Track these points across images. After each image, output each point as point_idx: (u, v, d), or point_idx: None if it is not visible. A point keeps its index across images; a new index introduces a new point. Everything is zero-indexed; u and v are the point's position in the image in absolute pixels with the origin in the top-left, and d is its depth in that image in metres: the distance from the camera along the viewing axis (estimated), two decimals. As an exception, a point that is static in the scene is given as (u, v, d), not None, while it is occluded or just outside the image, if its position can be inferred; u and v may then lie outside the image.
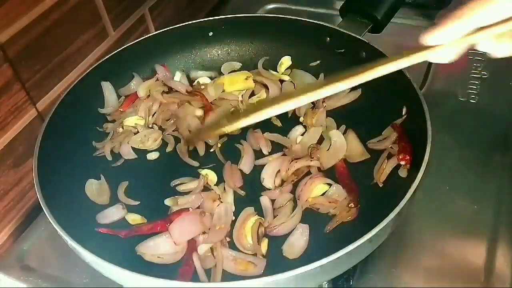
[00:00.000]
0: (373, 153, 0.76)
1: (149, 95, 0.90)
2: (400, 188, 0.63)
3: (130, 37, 1.00)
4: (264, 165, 0.77)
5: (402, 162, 0.70)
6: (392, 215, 0.57)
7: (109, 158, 0.82)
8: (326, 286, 0.67)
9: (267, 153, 0.80)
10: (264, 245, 0.67)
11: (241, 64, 0.96)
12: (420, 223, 0.75)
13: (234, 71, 0.96)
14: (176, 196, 0.73)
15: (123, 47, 0.89)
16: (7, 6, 0.71)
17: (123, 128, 0.86)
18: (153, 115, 0.88)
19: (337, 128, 0.81)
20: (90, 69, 0.85)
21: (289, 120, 0.86)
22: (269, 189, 0.74)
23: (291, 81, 0.92)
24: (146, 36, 0.92)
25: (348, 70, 0.55)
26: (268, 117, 0.60)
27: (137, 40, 0.90)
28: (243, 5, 1.28)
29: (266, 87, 0.91)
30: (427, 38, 0.50)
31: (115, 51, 0.88)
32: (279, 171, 0.76)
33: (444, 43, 0.50)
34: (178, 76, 0.94)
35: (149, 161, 0.82)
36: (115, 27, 0.96)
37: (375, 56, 0.81)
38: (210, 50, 0.97)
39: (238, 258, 0.65)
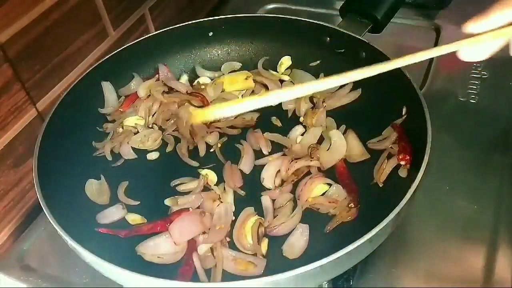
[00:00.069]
0: (373, 153, 0.76)
1: (149, 95, 0.90)
2: (400, 188, 0.63)
3: (130, 37, 1.00)
4: (264, 165, 0.77)
5: (402, 162, 0.70)
6: (392, 215, 0.57)
7: (109, 158, 0.82)
8: (326, 286, 0.67)
9: (267, 153, 0.80)
10: (264, 245, 0.67)
11: (241, 64, 0.96)
12: (420, 223, 0.75)
13: (234, 71, 0.96)
14: (176, 196, 0.73)
15: (123, 47, 0.89)
16: (7, 6, 0.71)
17: (123, 128, 0.86)
18: (153, 115, 0.88)
19: (337, 128, 0.81)
20: (90, 69, 0.85)
21: (289, 120, 0.86)
22: (269, 189, 0.74)
23: (291, 81, 0.92)
24: (146, 36, 0.92)
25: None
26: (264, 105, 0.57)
27: (137, 40, 0.90)
28: (243, 5, 1.28)
29: (266, 87, 0.91)
30: (470, 26, 0.51)
31: (115, 51, 0.88)
32: (279, 171, 0.76)
33: (484, 30, 0.51)
34: (184, 78, 0.94)
35: (149, 161, 0.82)
36: (115, 27, 0.96)
37: (375, 56, 0.81)
38: (210, 50, 0.97)
39: (238, 258, 0.65)
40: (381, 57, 0.79)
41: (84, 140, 0.82)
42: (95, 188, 0.76)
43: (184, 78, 0.95)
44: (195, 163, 0.79)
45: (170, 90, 0.91)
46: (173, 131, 0.86)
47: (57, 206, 0.64)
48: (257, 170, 0.77)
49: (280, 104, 0.89)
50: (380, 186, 0.71)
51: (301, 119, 0.85)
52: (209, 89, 0.91)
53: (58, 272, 0.74)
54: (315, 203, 0.71)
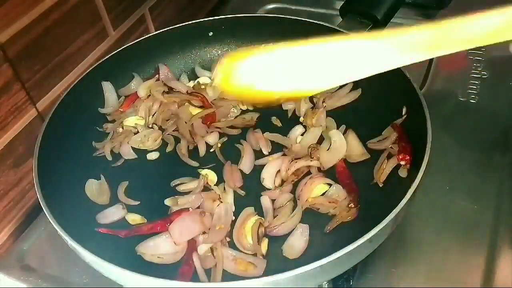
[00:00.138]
0: (373, 153, 0.76)
1: (149, 95, 0.90)
2: (400, 188, 0.63)
3: (130, 37, 1.00)
4: (264, 165, 0.77)
5: (402, 162, 0.70)
6: (392, 215, 0.57)
7: (109, 158, 0.82)
8: (326, 286, 0.67)
9: (267, 153, 0.80)
10: (264, 245, 0.67)
11: (241, 64, 0.96)
12: (420, 223, 0.75)
13: (234, 71, 0.96)
14: (176, 196, 0.73)
15: (123, 47, 0.89)
16: (7, 6, 0.71)
17: (123, 128, 0.86)
18: (153, 115, 0.88)
19: (337, 128, 0.81)
20: (90, 69, 0.85)
21: (289, 120, 0.86)
22: (269, 189, 0.75)
23: (291, 81, 0.92)
24: (146, 36, 0.92)
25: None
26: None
27: (137, 40, 0.91)
28: (243, 5, 1.28)
29: (266, 87, 0.91)
30: None
31: (115, 51, 0.88)
32: (279, 171, 0.76)
33: None
34: (184, 78, 0.94)
35: (149, 161, 0.82)
36: (115, 27, 0.96)
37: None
38: (210, 50, 0.97)
39: (238, 258, 0.65)
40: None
41: (84, 140, 0.82)
42: (95, 188, 0.76)
43: (184, 78, 0.95)
44: (195, 163, 0.79)
45: (170, 90, 0.91)
46: (173, 131, 0.86)
47: (57, 206, 0.64)
48: (257, 170, 0.77)
49: (280, 104, 0.89)
50: (380, 186, 0.71)
51: (301, 119, 0.86)
52: (209, 89, 0.91)
53: (58, 272, 0.74)
54: (315, 203, 0.71)
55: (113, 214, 0.72)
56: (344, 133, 0.79)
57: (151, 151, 0.84)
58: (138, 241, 0.67)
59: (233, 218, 0.70)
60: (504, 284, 0.67)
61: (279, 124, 0.86)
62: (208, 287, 0.62)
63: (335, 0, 1.25)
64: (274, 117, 0.86)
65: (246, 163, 0.78)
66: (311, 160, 0.76)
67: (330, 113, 0.84)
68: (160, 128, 0.87)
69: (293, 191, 0.74)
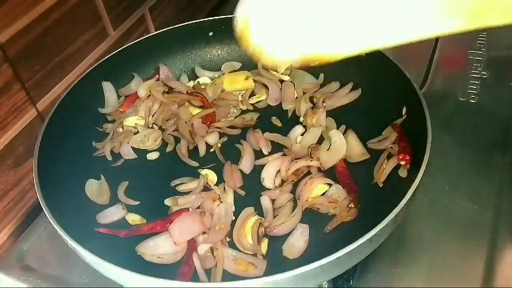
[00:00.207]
0: (373, 153, 0.76)
1: (149, 95, 0.90)
2: (400, 188, 0.63)
3: (130, 37, 1.00)
4: (264, 165, 0.77)
5: (402, 162, 0.70)
6: (392, 215, 0.57)
7: (109, 158, 0.82)
8: (326, 286, 0.67)
9: (267, 153, 0.80)
10: (264, 245, 0.67)
11: (241, 64, 0.96)
12: (420, 223, 0.75)
13: (234, 71, 0.96)
14: (176, 196, 0.73)
15: (123, 47, 0.89)
16: (7, 6, 0.71)
17: (123, 128, 0.86)
18: (153, 115, 0.88)
19: (337, 128, 0.81)
20: (90, 69, 0.85)
21: (289, 120, 0.86)
22: (269, 189, 0.74)
23: (291, 81, 0.92)
24: (146, 36, 0.92)
25: None
26: None
27: (137, 40, 0.91)
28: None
29: (266, 87, 0.91)
30: None
31: (115, 51, 0.88)
32: (279, 171, 0.76)
33: None
34: (184, 78, 0.94)
35: (149, 161, 0.82)
36: (115, 27, 0.96)
37: (375, 56, 0.81)
38: (210, 50, 0.97)
39: (239, 258, 0.65)
40: (381, 57, 0.80)
41: (84, 140, 0.82)
42: (95, 188, 0.76)
43: (184, 78, 0.95)
44: (195, 163, 0.79)
45: (170, 90, 0.91)
46: (173, 131, 0.86)
47: (57, 206, 0.64)
48: (257, 170, 0.77)
49: (280, 104, 0.89)
50: (380, 186, 0.71)
51: (301, 119, 0.85)
52: (209, 89, 0.91)
53: (58, 272, 0.74)
54: (315, 203, 0.71)
55: (113, 214, 0.72)
56: (344, 133, 0.79)
57: (151, 151, 0.84)
58: (138, 241, 0.67)
59: (233, 218, 0.70)
60: (504, 284, 0.67)
61: (279, 124, 0.86)
62: (208, 287, 0.62)
63: (335, 0, 1.25)
64: (274, 117, 0.87)
65: (246, 163, 0.78)
66: (311, 160, 0.76)
67: (330, 113, 0.84)
68: (160, 128, 0.87)
69: (293, 191, 0.74)
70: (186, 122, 0.86)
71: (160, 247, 0.66)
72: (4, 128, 0.75)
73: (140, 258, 0.66)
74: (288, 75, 0.93)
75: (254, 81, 0.92)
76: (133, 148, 0.83)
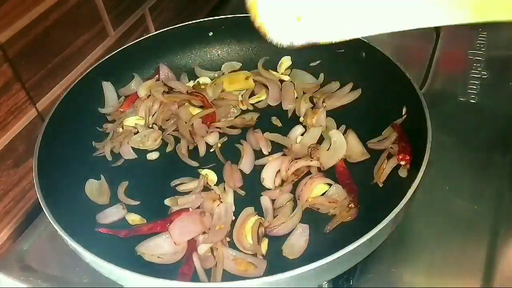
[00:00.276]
0: (373, 153, 0.76)
1: (149, 95, 0.90)
2: (400, 188, 0.63)
3: (130, 37, 1.00)
4: (264, 165, 0.77)
5: (402, 162, 0.70)
6: (392, 215, 0.57)
7: (109, 158, 0.82)
8: (326, 286, 0.67)
9: (267, 153, 0.80)
10: (264, 245, 0.67)
11: (241, 64, 0.96)
12: (420, 223, 0.75)
13: (234, 71, 0.96)
14: (176, 196, 0.73)
15: (123, 47, 0.89)
16: (7, 6, 0.71)
17: (123, 128, 0.86)
18: (153, 115, 0.88)
19: (337, 128, 0.81)
20: (90, 69, 0.85)
21: (289, 120, 0.86)
22: (269, 189, 0.74)
23: (291, 81, 0.92)
24: (146, 36, 0.92)
25: None
26: None
27: (137, 40, 0.91)
28: (243, 5, 1.27)
29: (266, 87, 0.91)
30: None
31: (115, 51, 0.88)
32: (279, 171, 0.76)
33: None
34: (184, 78, 0.94)
35: (149, 161, 0.82)
36: (115, 27, 0.96)
37: (375, 56, 0.81)
38: (210, 50, 0.97)
39: (239, 258, 0.65)
40: (381, 57, 0.80)
41: (84, 140, 0.82)
42: (95, 188, 0.76)
43: (184, 78, 0.95)
44: (195, 163, 0.79)
45: (170, 90, 0.91)
46: (173, 131, 0.86)
47: (57, 206, 0.64)
48: (257, 170, 0.77)
49: (280, 104, 0.89)
50: (380, 186, 0.71)
51: (301, 119, 0.85)
52: (209, 89, 0.91)
53: (58, 272, 0.74)
54: (315, 203, 0.71)
55: (113, 214, 0.72)
56: (344, 133, 0.79)
57: (151, 151, 0.83)
58: (138, 241, 0.67)
59: (233, 218, 0.70)
60: (504, 284, 0.67)
61: (279, 124, 0.86)
62: (208, 287, 0.62)
63: (335, 0, 1.25)
64: (274, 117, 0.87)
65: (246, 163, 0.78)
66: (311, 160, 0.76)
67: (330, 113, 0.84)
68: (160, 128, 0.87)
69: (293, 191, 0.74)
70: (186, 122, 0.86)
71: (160, 247, 0.66)
72: (4, 128, 0.75)
73: (140, 258, 0.66)
74: (288, 75, 0.93)
75: (254, 81, 0.92)
76: (133, 148, 0.83)
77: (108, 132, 0.85)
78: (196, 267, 0.64)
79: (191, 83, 0.94)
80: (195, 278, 0.63)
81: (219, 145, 0.83)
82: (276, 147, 0.81)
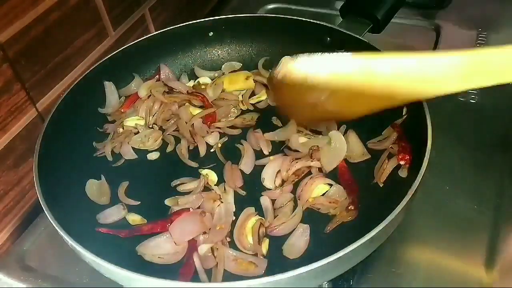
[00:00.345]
0: (374, 153, 0.76)
1: (149, 95, 0.90)
2: (400, 188, 0.63)
3: (130, 37, 1.00)
4: (265, 165, 0.77)
5: (402, 162, 0.70)
6: (392, 215, 0.57)
7: (110, 158, 0.82)
8: (326, 286, 0.67)
9: (268, 153, 0.80)
10: (265, 245, 0.67)
11: (241, 64, 0.96)
12: (420, 223, 0.75)
13: (235, 71, 0.96)
14: (177, 196, 0.73)
15: (123, 47, 0.89)
16: (7, 6, 0.71)
17: (123, 128, 0.86)
18: (153, 115, 0.88)
19: (338, 128, 0.81)
20: (90, 69, 0.85)
21: (289, 120, 0.86)
22: (270, 189, 0.74)
23: (291, 81, 0.92)
24: (146, 36, 0.92)
25: None
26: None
27: (137, 40, 0.90)
28: (243, 5, 1.28)
29: (266, 87, 0.91)
30: None
31: (115, 51, 0.88)
32: (279, 171, 0.76)
33: None
34: (184, 78, 0.94)
35: (150, 161, 0.82)
36: (115, 27, 0.96)
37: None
38: (210, 50, 0.97)
39: (239, 258, 0.65)
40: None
41: (84, 140, 0.82)
42: (95, 188, 0.76)
43: (184, 78, 0.95)
44: (194, 164, 0.79)
45: (171, 90, 0.91)
46: (174, 131, 0.86)
47: (57, 206, 0.64)
48: (258, 170, 0.77)
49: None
50: (381, 186, 0.71)
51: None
52: (209, 89, 0.91)
53: (58, 272, 0.74)
54: (316, 203, 0.71)
55: (113, 214, 0.72)
56: (344, 133, 0.79)
57: (152, 151, 0.83)
58: (138, 241, 0.67)
59: (234, 218, 0.70)
60: (505, 284, 0.67)
61: (279, 124, 0.85)
62: (209, 287, 0.62)
63: (335, 0, 1.25)
64: (274, 117, 0.86)
65: (247, 163, 0.78)
66: (312, 161, 0.76)
67: (330, 113, 0.84)
68: (161, 128, 0.87)
69: (293, 191, 0.74)
70: (186, 122, 0.86)
71: (161, 247, 0.66)
72: (4, 128, 0.75)
73: (140, 258, 0.66)
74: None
75: (254, 81, 0.92)
76: (134, 148, 0.83)
77: (109, 132, 0.85)
78: (196, 267, 0.64)
79: (191, 83, 0.94)
80: (195, 278, 0.63)
81: (219, 145, 0.83)
82: (277, 147, 0.81)
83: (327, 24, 0.88)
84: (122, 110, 0.89)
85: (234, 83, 0.92)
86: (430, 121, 0.67)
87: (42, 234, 0.80)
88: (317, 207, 0.71)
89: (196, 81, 0.95)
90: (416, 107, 0.70)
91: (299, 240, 0.67)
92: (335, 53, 0.56)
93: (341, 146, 0.77)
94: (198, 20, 0.94)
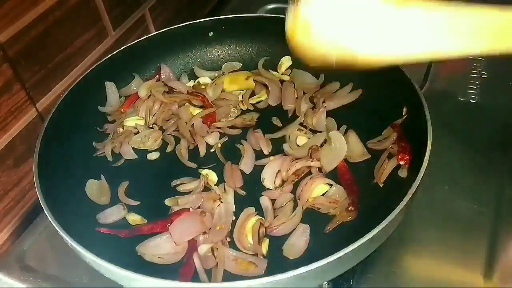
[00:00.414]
0: (374, 153, 0.76)
1: (149, 95, 0.90)
2: (400, 188, 0.63)
3: (130, 37, 1.00)
4: (265, 165, 0.77)
5: (402, 162, 0.70)
6: (392, 215, 0.57)
7: (110, 158, 0.82)
8: (326, 286, 0.67)
9: (268, 153, 0.80)
10: (265, 245, 0.67)
11: (241, 64, 0.96)
12: (420, 223, 0.75)
13: (235, 71, 0.96)
14: (177, 196, 0.73)
15: (123, 47, 0.89)
16: (7, 6, 0.71)
17: (123, 128, 0.86)
18: (153, 115, 0.88)
19: (338, 129, 0.81)
20: (91, 69, 0.85)
21: (289, 120, 0.86)
22: (270, 189, 0.74)
23: (292, 81, 0.92)
24: (146, 36, 0.92)
25: None
26: None
27: (137, 40, 0.91)
28: (243, 5, 1.28)
29: (266, 87, 0.91)
30: None
31: (116, 51, 0.88)
32: (279, 171, 0.76)
33: None
34: (184, 78, 0.94)
35: (150, 161, 0.82)
36: (115, 27, 0.96)
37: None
38: (210, 50, 0.97)
39: (239, 258, 0.65)
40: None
41: (84, 140, 0.82)
42: (95, 188, 0.76)
43: (184, 78, 0.95)
44: (193, 165, 0.79)
45: (171, 90, 0.91)
46: (174, 131, 0.86)
47: (57, 206, 0.64)
48: (258, 170, 0.77)
49: (280, 104, 0.89)
50: (381, 186, 0.71)
51: (301, 119, 0.85)
52: (209, 89, 0.91)
53: (58, 272, 0.74)
54: (316, 203, 0.71)
55: (113, 214, 0.72)
56: (344, 133, 0.79)
57: (152, 151, 0.84)
58: (138, 241, 0.67)
59: (234, 218, 0.70)
60: (504, 284, 0.67)
61: (279, 124, 0.86)
62: (209, 287, 0.62)
63: (335, 0, 1.25)
64: (275, 117, 0.86)
65: (247, 163, 0.78)
66: (312, 161, 0.76)
67: (330, 113, 0.84)
68: (161, 128, 0.87)
69: (293, 191, 0.74)
70: (186, 122, 0.86)
71: (161, 247, 0.66)
72: (4, 128, 0.75)
73: (140, 258, 0.66)
74: (289, 75, 0.93)
75: (254, 81, 0.92)
76: (134, 148, 0.83)
77: (109, 132, 0.85)
78: (196, 267, 0.64)
79: (191, 83, 0.94)
80: (195, 278, 0.63)
81: (219, 145, 0.83)
82: (277, 147, 0.81)
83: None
84: (122, 110, 0.89)
85: (234, 83, 0.92)
86: (430, 121, 0.67)
87: (42, 234, 0.80)
88: (317, 207, 0.71)
89: (196, 81, 0.95)
90: (416, 107, 0.70)
91: (299, 240, 0.67)
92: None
93: (341, 146, 0.77)
94: (198, 20, 0.94)
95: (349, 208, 0.69)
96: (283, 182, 0.75)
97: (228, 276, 0.64)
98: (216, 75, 0.95)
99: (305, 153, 0.78)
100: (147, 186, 0.77)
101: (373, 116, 0.81)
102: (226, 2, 1.30)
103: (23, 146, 0.79)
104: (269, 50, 0.96)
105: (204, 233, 0.68)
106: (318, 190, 0.73)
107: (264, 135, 0.82)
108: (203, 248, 0.66)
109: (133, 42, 0.90)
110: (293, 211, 0.70)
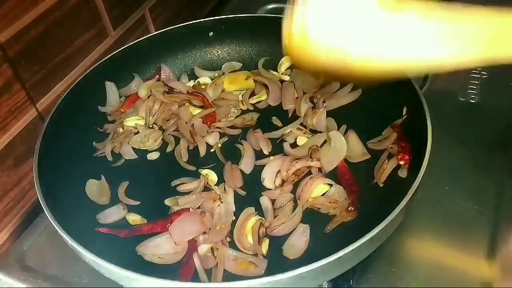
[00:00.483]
0: (374, 153, 0.76)
1: (149, 95, 0.90)
2: (400, 188, 0.63)
3: (130, 37, 1.00)
4: (265, 165, 0.77)
5: (402, 162, 0.70)
6: (392, 215, 0.57)
7: (110, 158, 0.82)
8: (326, 286, 0.67)
9: (268, 153, 0.80)
10: (265, 245, 0.67)
11: (241, 64, 0.97)
12: (420, 223, 0.75)
13: (235, 71, 0.96)
14: (177, 196, 0.73)
15: (123, 47, 0.89)
16: (7, 6, 0.71)
17: (123, 128, 0.86)
18: (153, 115, 0.88)
19: (338, 129, 0.81)
20: (91, 69, 0.85)
21: (289, 120, 0.86)
22: (270, 189, 0.74)
23: (292, 81, 0.92)
24: (146, 36, 0.92)
25: None
26: None
27: (137, 40, 0.91)
28: (243, 5, 1.28)
29: (266, 87, 0.91)
30: None
31: (116, 51, 0.88)
32: (279, 171, 0.76)
33: None
34: (184, 78, 0.95)
35: (150, 161, 0.82)
36: (115, 27, 0.96)
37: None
38: (210, 50, 0.97)
39: (239, 258, 0.65)
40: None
41: (84, 140, 0.82)
42: (95, 188, 0.76)
43: (184, 78, 0.95)
44: (192, 167, 0.79)
45: (171, 90, 0.91)
46: (174, 131, 0.86)
47: (57, 206, 0.64)
48: (258, 170, 0.77)
49: (280, 104, 0.89)
50: (381, 186, 0.71)
51: (301, 119, 0.85)
52: (209, 89, 0.91)
53: (58, 272, 0.74)
54: (316, 203, 0.71)
55: (113, 214, 0.72)
56: (344, 133, 0.79)
57: (152, 151, 0.84)
58: (138, 241, 0.67)
59: (234, 218, 0.70)
60: (504, 284, 0.67)
61: (279, 124, 0.86)
62: (209, 287, 0.62)
63: (335, 0, 1.25)
64: (274, 117, 0.87)
65: (247, 163, 0.78)
66: (312, 161, 0.76)
67: (330, 113, 0.84)
68: (161, 128, 0.87)
69: (293, 191, 0.74)
70: (186, 122, 0.86)
71: (161, 247, 0.66)
72: (4, 128, 0.75)
73: (140, 258, 0.66)
74: (289, 75, 0.93)
75: (254, 81, 0.92)
76: (134, 148, 0.83)
77: (109, 132, 0.85)
78: (196, 267, 0.64)
79: (191, 83, 0.94)
80: (195, 278, 0.63)
81: (219, 145, 0.83)
82: (277, 147, 0.81)
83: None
84: (122, 110, 0.89)
85: (234, 83, 0.92)
86: (430, 121, 0.67)
87: (42, 234, 0.80)
88: (317, 207, 0.71)
89: (196, 81, 0.95)
90: (416, 107, 0.70)
91: (299, 240, 0.67)
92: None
93: (341, 146, 0.77)
94: (198, 20, 0.94)
95: (349, 208, 0.69)
96: (283, 182, 0.75)
97: (228, 276, 0.64)
98: (216, 75, 0.95)
99: (305, 153, 0.78)
100: (147, 186, 0.77)
101: (373, 116, 0.81)
102: (226, 2, 1.30)
103: (23, 146, 0.79)
104: (269, 50, 0.96)
105: (204, 233, 0.68)
106: (318, 190, 0.73)
107: (264, 135, 0.82)
108: (203, 248, 0.66)
109: (133, 42, 0.90)
110: (293, 211, 0.70)
